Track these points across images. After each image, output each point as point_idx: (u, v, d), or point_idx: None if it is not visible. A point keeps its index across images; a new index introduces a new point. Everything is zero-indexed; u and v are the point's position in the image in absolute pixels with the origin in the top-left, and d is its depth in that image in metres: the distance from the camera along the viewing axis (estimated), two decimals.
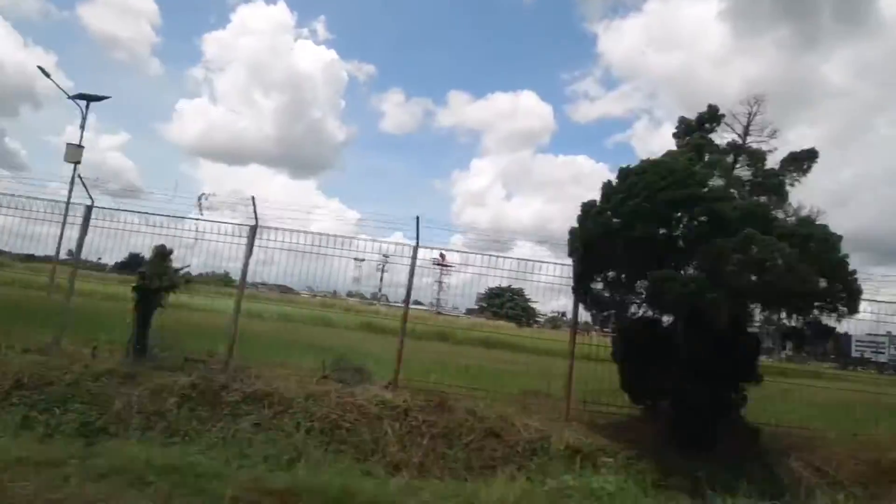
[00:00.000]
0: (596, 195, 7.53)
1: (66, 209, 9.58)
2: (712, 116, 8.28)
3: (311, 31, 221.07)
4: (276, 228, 8.96)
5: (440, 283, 16.66)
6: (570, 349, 8.48)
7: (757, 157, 8.05)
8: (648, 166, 7.20)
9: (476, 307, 37.39)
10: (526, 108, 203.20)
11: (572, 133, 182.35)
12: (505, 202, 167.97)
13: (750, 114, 7.96)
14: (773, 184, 7.65)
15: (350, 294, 26.86)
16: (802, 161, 7.86)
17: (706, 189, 6.93)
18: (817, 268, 6.40)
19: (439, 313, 23.55)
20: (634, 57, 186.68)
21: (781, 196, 7.62)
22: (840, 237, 6.74)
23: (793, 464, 6.98)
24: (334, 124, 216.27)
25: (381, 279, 16.84)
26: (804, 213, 7.30)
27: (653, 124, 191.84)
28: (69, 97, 22.74)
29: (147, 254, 8.72)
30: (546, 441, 6.76)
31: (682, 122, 8.60)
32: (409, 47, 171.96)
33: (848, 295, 6.63)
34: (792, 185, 7.78)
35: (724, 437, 6.95)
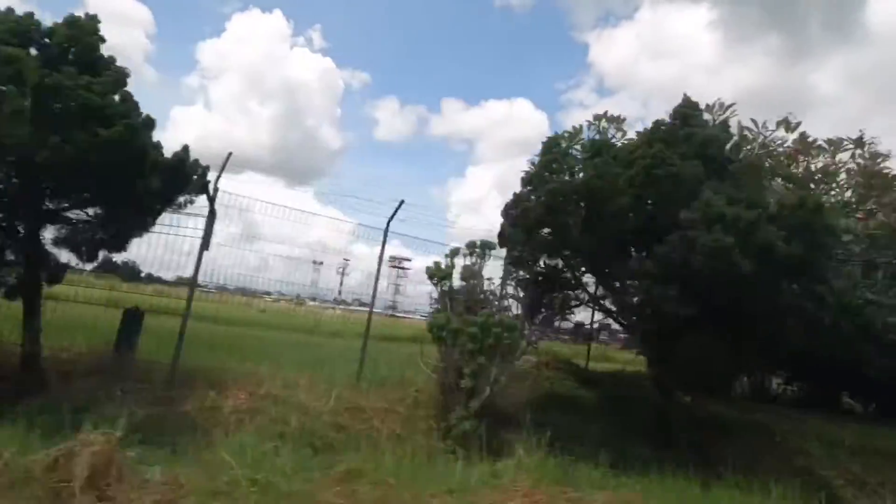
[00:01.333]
0: None
1: None
2: None
3: (307, 40, 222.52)
4: None
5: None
6: None
7: None
8: None
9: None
10: (520, 115, 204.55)
11: None
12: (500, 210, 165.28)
13: None
14: None
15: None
16: None
17: None
18: None
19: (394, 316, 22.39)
20: (627, 65, 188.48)
21: None
22: None
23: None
24: (330, 132, 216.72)
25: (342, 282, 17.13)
26: None
27: None
28: None
29: None
30: None
31: None
32: (403, 55, 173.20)
33: None
34: None
35: None
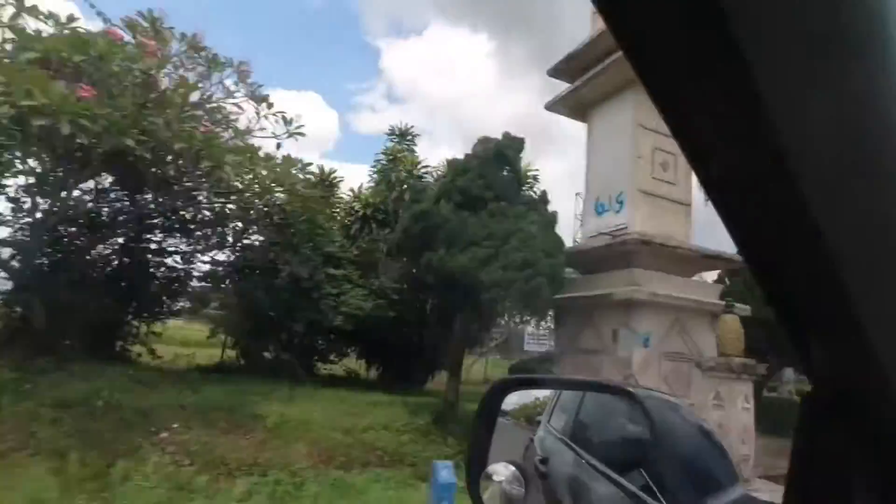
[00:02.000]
0: None
1: None
2: None
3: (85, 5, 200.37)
4: None
5: None
6: None
7: None
8: None
9: None
10: (309, 109, 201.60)
11: (357, 142, 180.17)
12: None
13: None
14: None
15: None
16: None
17: None
18: None
19: None
20: (416, 78, 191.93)
21: None
22: None
23: None
24: None
25: None
26: None
27: (432, 143, 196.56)
28: None
29: None
30: None
31: None
32: (189, 31, 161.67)
33: None
34: None
35: None
